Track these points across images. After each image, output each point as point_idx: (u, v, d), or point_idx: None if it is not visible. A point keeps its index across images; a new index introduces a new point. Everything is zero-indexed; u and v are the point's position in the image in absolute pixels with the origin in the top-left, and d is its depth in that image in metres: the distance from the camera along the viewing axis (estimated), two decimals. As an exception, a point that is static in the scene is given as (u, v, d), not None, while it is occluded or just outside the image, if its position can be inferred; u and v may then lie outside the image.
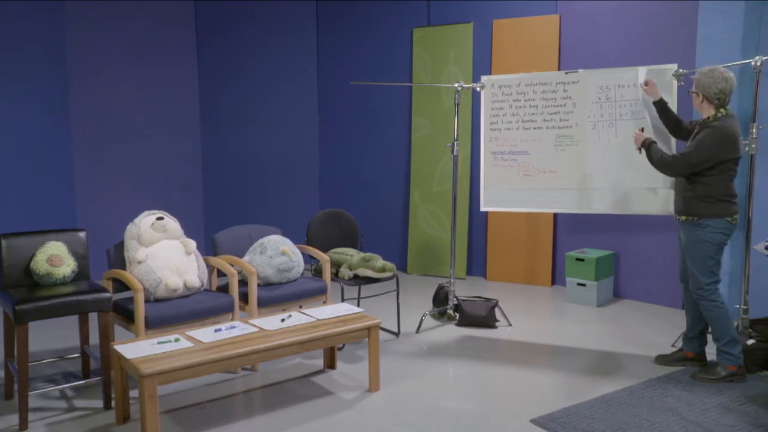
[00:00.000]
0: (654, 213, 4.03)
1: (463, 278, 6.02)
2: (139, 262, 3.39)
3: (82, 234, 3.41)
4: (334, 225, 4.55)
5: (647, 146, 3.63)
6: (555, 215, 5.67)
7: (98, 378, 3.22)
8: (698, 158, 3.35)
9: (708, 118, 3.42)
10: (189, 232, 3.88)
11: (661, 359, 3.74)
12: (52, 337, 4.26)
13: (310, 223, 4.43)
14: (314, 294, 3.91)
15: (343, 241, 4.56)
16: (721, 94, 3.33)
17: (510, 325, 4.54)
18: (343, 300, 4.24)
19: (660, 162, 3.51)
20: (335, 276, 4.18)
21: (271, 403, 3.22)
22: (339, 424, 2.98)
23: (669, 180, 3.88)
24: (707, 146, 3.33)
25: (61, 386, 3.15)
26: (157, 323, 3.23)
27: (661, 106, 3.75)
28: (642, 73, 3.95)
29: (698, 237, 3.44)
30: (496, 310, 4.70)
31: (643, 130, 3.80)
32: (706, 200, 3.39)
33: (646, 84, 3.81)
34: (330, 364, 3.70)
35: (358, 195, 6.60)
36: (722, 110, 3.39)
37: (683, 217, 3.50)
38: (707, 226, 3.40)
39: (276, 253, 3.80)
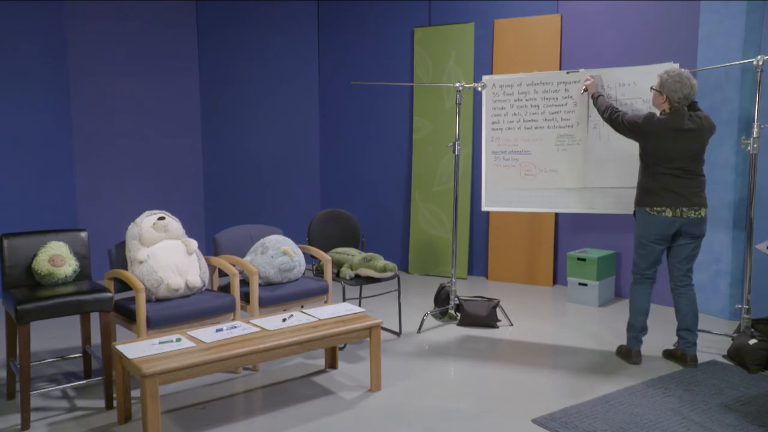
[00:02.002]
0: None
1: (464, 278, 6.02)
2: (141, 262, 3.39)
3: (83, 234, 3.41)
4: (335, 225, 4.55)
5: (595, 98, 3.89)
6: (556, 215, 5.66)
7: (99, 378, 3.22)
8: (628, 122, 3.60)
9: (661, 111, 3.58)
10: (190, 232, 3.90)
11: (666, 353, 3.83)
12: (53, 337, 4.27)
13: (311, 223, 4.43)
14: (315, 294, 3.91)
15: (344, 241, 4.56)
16: (684, 99, 3.48)
17: (511, 324, 4.54)
18: (344, 300, 4.24)
19: (602, 111, 3.79)
20: (336, 276, 4.18)
21: (272, 403, 3.22)
22: (340, 423, 2.98)
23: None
24: (639, 118, 3.56)
25: (62, 386, 3.15)
26: (158, 323, 3.23)
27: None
28: (644, 72, 3.94)
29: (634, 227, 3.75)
30: (498, 309, 4.70)
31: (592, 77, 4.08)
32: (637, 191, 3.67)
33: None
34: (331, 363, 3.70)
35: (359, 195, 6.60)
36: (671, 109, 3.52)
37: None
38: (636, 217, 3.68)
39: (277, 253, 3.80)
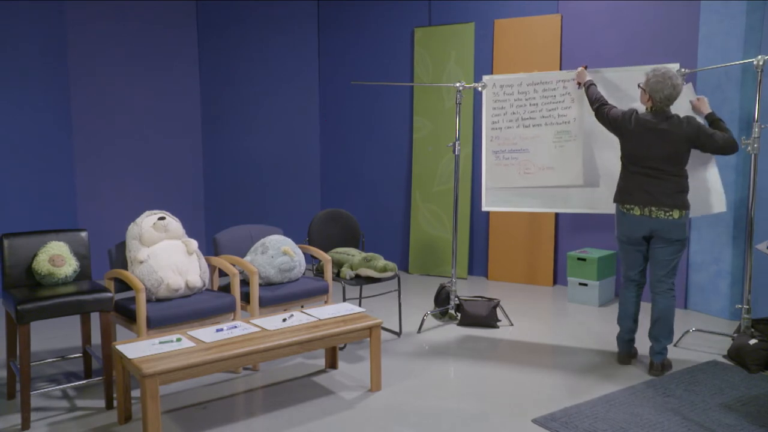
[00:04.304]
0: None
1: (464, 278, 6.02)
2: (141, 262, 3.39)
3: (83, 234, 3.41)
4: (335, 225, 4.55)
5: (587, 86, 3.90)
6: (556, 215, 5.66)
7: (100, 378, 3.22)
8: (609, 116, 3.65)
9: (646, 109, 3.58)
10: (190, 232, 3.89)
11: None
12: (53, 337, 4.27)
13: (311, 223, 4.43)
14: (316, 294, 3.91)
15: (344, 240, 4.56)
16: (666, 100, 3.46)
17: (512, 324, 4.54)
18: (344, 300, 4.24)
19: (592, 102, 3.81)
20: (336, 276, 4.18)
21: (273, 403, 3.22)
22: (340, 423, 2.98)
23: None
24: (619, 113, 3.61)
25: (62, 386, 3.15)
26: (158, 323, 3.23)
27: (710, 120, 3.67)
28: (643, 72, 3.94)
29: None
30: (498, 309, 4.70)
31: (586, 67, 4.06)
32: (616, 189, 3.71)
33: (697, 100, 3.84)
34: (331, 363, 3.70)
35: (360, 195, 6.60)
36: (653, 108, 3.52)
37: None
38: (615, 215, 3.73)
39: (277, 252, 3.80)
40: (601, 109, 3.71)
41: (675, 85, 3.43)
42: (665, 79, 3.42)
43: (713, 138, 3.43)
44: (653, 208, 3.48)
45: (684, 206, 3.47)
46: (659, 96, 3.44)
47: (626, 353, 3.75)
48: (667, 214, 3.46)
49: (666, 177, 3.48)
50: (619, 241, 3.68)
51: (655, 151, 3.46)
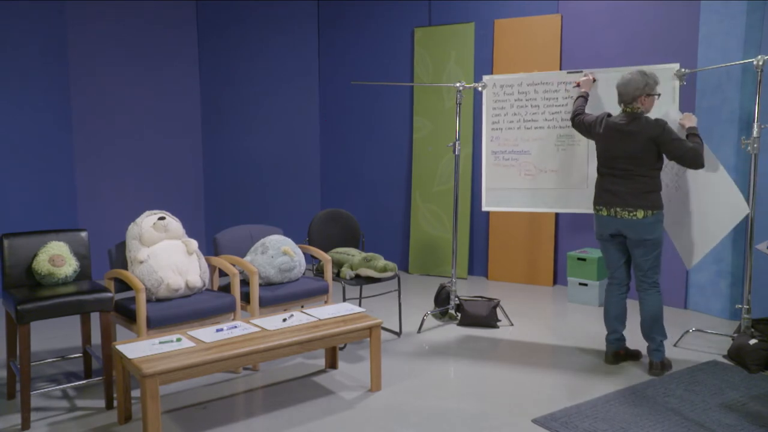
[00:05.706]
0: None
1: (464, 278, 6.02)
2: (141, 262, 3.39)
3: (83, 234, 3.41)
4: (335, 225, 4.55)
5: (577, 96, 3.99)
6: (556, 215, 5.66)
7: (100, 378, 3.22)
8: (584, 122, 3.75)
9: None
10: (190, 232, 3.89)
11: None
12: (53, 337, 4.27)
13: (311, 223, 4.43)
14: (316, 294, 3.91)
15: (344, 240, 4.56)
16: (622, 97, 3.52)
17: (512, 324, 4.54)
18: (344, 300, 4.24)
19: (572, 111, 3.91)
20: (337, 276, 4.18)
21: (273, 403, 3.22)
22: (340, 423, 2.98)
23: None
24: (592, 118, 3.69)
25: (62, 386, 3.16)
26: (158, 323, 3.23)
27: (687, 134, 3.60)
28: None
29: None
30: (498, 309, 4.70)
31: (595, 80, 4.05)
32: None
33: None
34: (331, 363, 3.70)
35: (360, 195, 6.60)
36: (624, 109, 3.55)
37: None
38: None
39: (277, 252, 3.80)
40: (576, 119, 3.81)
41: (627, 81, 3.45)
42: (623, 77, 3.48)
43: (677, 143, 3.37)
44: (618, 209, 3.52)
45: (650, 206, 3.45)
46: (618, 93, 3.51)
47: (612, 353, 3.75)
48: (631, 214, 3.48)
49: (633, 177, 3.48)
50: (597, 240, 3.76)
51: (621, 151, 3.49)
